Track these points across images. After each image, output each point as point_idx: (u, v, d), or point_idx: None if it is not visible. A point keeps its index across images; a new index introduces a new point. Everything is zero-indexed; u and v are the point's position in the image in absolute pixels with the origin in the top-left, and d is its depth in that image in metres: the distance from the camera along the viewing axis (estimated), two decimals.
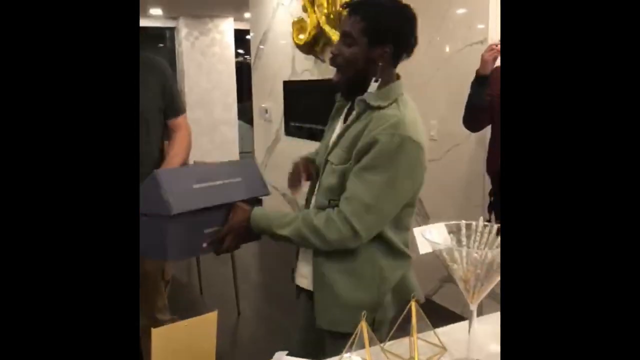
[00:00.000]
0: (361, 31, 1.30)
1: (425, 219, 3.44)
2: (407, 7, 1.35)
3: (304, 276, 1.46)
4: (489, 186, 2.85)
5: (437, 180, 3.34)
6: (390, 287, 1.38)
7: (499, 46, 2.36)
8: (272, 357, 1.02)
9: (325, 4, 4.01)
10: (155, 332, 0.78)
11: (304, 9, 4.33)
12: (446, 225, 0.97)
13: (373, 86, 1.34)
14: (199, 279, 3.64)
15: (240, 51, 8.80)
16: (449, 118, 3.20)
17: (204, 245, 1.35)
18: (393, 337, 1.07)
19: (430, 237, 0.91)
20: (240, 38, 8.77)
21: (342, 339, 1.24)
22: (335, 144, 1.39)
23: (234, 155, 8.54)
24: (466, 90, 3.00)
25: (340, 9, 3.79)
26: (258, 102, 5.72)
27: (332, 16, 4.00)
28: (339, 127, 1.45)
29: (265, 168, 5.60)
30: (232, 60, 8.45)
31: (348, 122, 1.39)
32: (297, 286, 1.52)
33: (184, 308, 2.95)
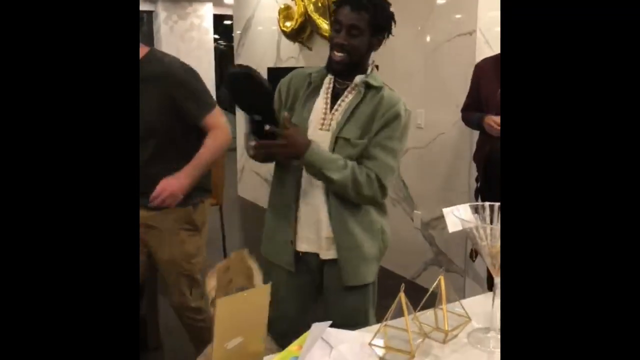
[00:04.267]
0: (367, 24, 1.52)
1: (411, 204, 3.55)
2: (389, 4, 1.59)
3: (311, 241, 1.62)
4: (474, 173, 2.97)
5: (423, 167, 3.45)
6: (388, 239, 1.67)
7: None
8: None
9: None
10: (219, 301, 0.85)
11: None
12: (470, 206, 1.06)
13: (367, 70, 1.60)
14: None
15: (216, 36, 8.74)
16: (436, 107, 3.30)
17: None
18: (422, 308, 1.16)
19: (459, 215, 0.99)
20: (218, 23, 8.71)
21: (361, 290, 1.62)
22: (347, 120, 1.55)
23: None
24: (453, 81, 3.11)
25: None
26: None
27: (320, 4, 4.04)
28: (323, 103, 1.60)
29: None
30: (211, 45, 8.40)
31: (351, 101, 1.57)
32: (299, 254, 1.64)
33: None
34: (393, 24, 1.59)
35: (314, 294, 1.73)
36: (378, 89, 1.59)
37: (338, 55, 1.53)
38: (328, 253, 1.61)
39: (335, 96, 1.60)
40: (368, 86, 1.58)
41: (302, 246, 1.64)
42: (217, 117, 1.99)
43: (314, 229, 1.61)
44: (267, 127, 1.44)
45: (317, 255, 1.63)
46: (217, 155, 2.00)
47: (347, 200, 1.56)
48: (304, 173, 1.58)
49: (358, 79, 1.58)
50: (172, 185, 1.87)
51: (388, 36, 1.60)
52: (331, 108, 1.58)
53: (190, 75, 1.97)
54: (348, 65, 1.55)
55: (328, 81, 1.62)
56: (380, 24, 1.54)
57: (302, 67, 1.68)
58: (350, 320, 1.51)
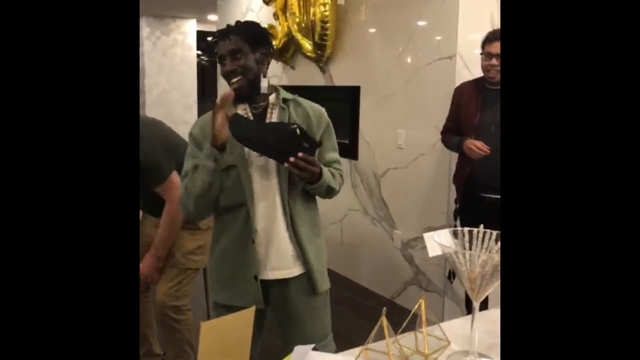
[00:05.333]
0: (244, 44, 1.59)
1: (392, 224, 3.58)
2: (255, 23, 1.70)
3: (279, 267, 1.64)
4: (453, 194, 3.01)
5: (402, 187, 3.49)
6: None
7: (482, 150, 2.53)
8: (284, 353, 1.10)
9: (297, 13, 4.10)
10: (204, 325, 0.86)
11: (275, 17, 4.41)
12: (450, 231, 1.08)
13: (274, 87, 1.69)
14: None
15: (199, 52, 8.77)
16: (416, 128, 3.36)
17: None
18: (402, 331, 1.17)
19: (439, 241, 1.02)
20: (201, 39, 8.74)
21: (323, 294, 1.71)
22: None
23: None
24: (433, 103, 3.17)
25: (312, 18, 3.90)
26: None
27: (303, 25, 4.10)
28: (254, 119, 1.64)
29: None
30: (194, 61, 8.42)
31: (280, 118, 1.63)
32: (265, 283, 1.63)
33: None
34: (270, 35, 1.68)
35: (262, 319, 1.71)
36: (295, 100, 1.68)
37: (234, 81, 1.58)
38: (294, 270, 1.65)
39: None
40: (284, 100, 1.66)
41: (267, 274, 1.63)
42: (167, 189, 2.07)
43: (277, 253, 1.63)
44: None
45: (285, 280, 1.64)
46: (172, 231, 2.12)
47: (299, 205, 1.64)
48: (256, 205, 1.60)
49: (272, 98, 1.66)
50: (143, 269, 2.12)
51: (269, 49, 1.65)
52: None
53: (149, 136, 2.02)
54: (248, 86, 1.59)
55: (243, 111, 1.64)
56: (255, 39, 1.61)
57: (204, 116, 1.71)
58: (313, 328, 1.57)
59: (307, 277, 1.65)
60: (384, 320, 0.99)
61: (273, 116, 1.64)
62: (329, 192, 1.64)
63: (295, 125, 1.47)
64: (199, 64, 8.71)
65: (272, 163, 1.60)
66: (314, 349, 1.06)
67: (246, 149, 1.58)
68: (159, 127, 2.15)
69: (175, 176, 2.04)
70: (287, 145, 1.47)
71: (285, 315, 1.69)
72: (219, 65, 1.64)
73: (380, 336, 1.08)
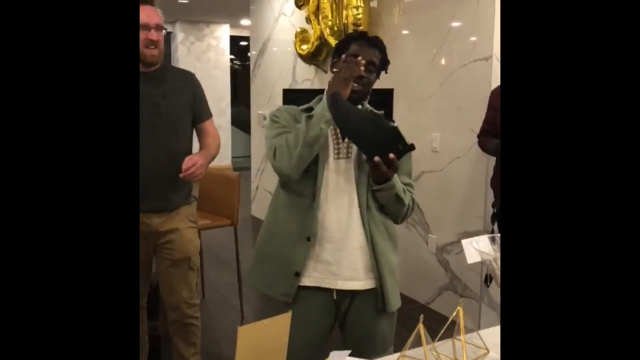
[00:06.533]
0: (379, 61, 1.63)
1: (426, 229, 3.53)
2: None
3: (354, 278, 1.58)
4: (491, 198, 2.95)
5: (437, 191, 3.44)
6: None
7: None
8: None
9: (330, 17, 4.09)
10: (241, 330, 0.85)
11: (307, 20, 4.42)
12: (488, 237, 1.05)
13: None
14: (202, 283, 3.68)
15: (232, 57, 8.86)
16: (451, 131, 3.30)
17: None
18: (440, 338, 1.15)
19: (478, 247, 0.99)
20: (234, 44, 8.83)
21: (390, 315, 1.63)
22: None
23: (227, 160, 8.58)
24: (469, 105, 3.11)
25: (345, 21, 3.89)
26: (256, 109, 5.79)
27: (336, 28, 4.09)
28: (331, 132, 1.61)
29: (262, 173, 5.66)
30: (227, 66, 8.51)
31: None
32: (339, 294, 1.59)
33: None
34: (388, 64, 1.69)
35: (331, 329, 1.68)
36: (382, 117, 1.66)
37: (355, 86, 1.54)
38: (366, 283, 1.59)
39: None
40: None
41: (348, 284, 1.59)
42: (213, 125, 2.25)
43: (349, 262, 1.58)
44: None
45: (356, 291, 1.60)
46: (217, 153, 2.20)
47: (381, 219, 1.60)
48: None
49: (371, 110, 1.66)
50: (200, 158, 2.01)
51: (379, 76, 1.67)
52: (342, 137, 1.59)
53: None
54: (359, 97, 1.59)
55: None
56: (385, 62, 1.65)
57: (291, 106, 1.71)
58: (374, 349, 1.49)
59: (379, 292, 1.59)
60: (421, 327, 0.96)
61: None
62: (398, 204, 1.57)
63: (396, 124, 1.44)
64: (231, 69, 8.80)
65: (353, 157, 1.58)
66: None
67: (330, 137, 1.59)
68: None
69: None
70: (383, 140, 1.43)
71: (345, 327, 1.66)
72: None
73: (417, 343, 1.05)
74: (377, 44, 1.62)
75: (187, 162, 1.95)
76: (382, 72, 1.67)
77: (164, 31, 2.06)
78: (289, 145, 1.52)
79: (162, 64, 2.09)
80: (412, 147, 1.46)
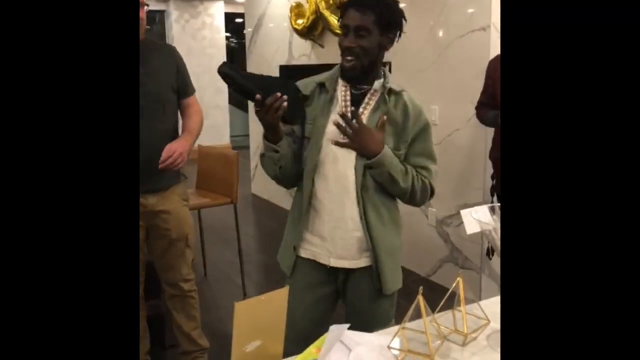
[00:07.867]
0: (373, 23, 1.48)
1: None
2: (396, 1, 1.59)
3: (345, 257, 1.58)
4: (490, 170, 2.94)
5: (438, 164, 3.42)
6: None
7: None
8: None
9: None
10: (238, 306, 0.85)
11: None
12: (488, 207, 1.04)
13: (382, 72, 1.57)
14: (204, 261, 3.70)
15: (227, 34, 8.77)
16: (450, 103, 3.28)
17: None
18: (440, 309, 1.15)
19: (477, 217, 0.98)
20: (229, 21, 8.73)
21: (391, 296, 1.62)
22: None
23: (225, 139, 8.56)
24: (467, 76, 3.08)
25: None
26: None
27: (331, 1, 4.03)
28: (333, 111, 1.55)
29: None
30: (223, 43, 8.42)
31: (375, 108, 1.54)
32: (333, 270, 1.60)
33: None
34: (404, 20, 1.55)
35: (334, 303, 1.69)
36: (399, 93, 1.56)
37: (348, 59, 1.49)
38: (359, 262, 1.59)
39: (353, 103, 1.55)
40: (389, 91, 1.55)
41: (339, 262, 1.59)
42: (196, 100, 2.23)
43: (344, 241, 1.57)
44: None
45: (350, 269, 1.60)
46: (200, 131, 2.19)
47: (382, 200, 1.57)
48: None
49: (377, 84, 1.56)
50: (179, 147, 1.97)
51: (400, 35, 1.55)
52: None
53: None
54: (361, 70, 1.51)
55: (343, 87, 1.57)
56: (388, 22, 1.49)
57: (307, 77, 1.65)
58: (374, 326, 1.51)
59: (374, 273, 1.58)
60: (420, 299, 0.96)
61: (370, 102, 1.55)
62: (393, 184, 1.52)
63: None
64: (228, 47, 8.71)
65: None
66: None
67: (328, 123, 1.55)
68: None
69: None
70: (281, 88, 1.43)
71: (347, 305, 1.67)
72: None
73: (418, 315, 1.05)
74: (370, 6, 1.47)
75: (165, 152, 1.93)
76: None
77: (145, 7, 2.01)
78: (266, 163, 1.58)
79: (144, 40, 2.01)
80: (304, 97, 1.51)
